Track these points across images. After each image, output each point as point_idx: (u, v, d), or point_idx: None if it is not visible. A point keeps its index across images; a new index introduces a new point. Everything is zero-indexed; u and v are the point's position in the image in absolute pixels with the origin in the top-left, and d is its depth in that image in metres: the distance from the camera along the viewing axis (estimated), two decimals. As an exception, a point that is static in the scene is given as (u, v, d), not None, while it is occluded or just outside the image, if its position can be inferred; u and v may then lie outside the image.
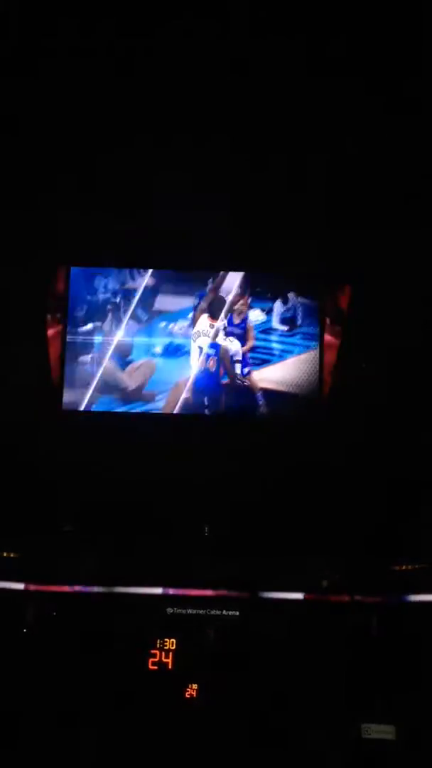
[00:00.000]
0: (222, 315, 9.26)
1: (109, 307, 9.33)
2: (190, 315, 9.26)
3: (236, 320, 9.26)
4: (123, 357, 9.29)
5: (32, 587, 7.93)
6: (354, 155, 7.72)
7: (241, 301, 9.27)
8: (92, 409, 9.23)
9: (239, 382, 9.18)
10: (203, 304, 9.27)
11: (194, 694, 7.35)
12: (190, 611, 7.83)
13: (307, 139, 7.61)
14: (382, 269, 8.60)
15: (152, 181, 8.14)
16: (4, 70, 6.84)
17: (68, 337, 9.26)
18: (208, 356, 9.24)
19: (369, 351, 8.84)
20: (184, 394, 9.16)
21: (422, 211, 8.06)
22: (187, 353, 9.26)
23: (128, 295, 9.34)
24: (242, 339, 9.25)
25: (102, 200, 8.46)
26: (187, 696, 7.35)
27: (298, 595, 7.94)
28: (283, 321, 9.23)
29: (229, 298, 9.25)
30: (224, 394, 9.20)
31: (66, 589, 7.98)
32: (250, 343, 9.24)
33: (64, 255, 9.28)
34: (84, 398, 9.24)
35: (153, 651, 7.54)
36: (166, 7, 6.32)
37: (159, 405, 9.18)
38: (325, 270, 9.17)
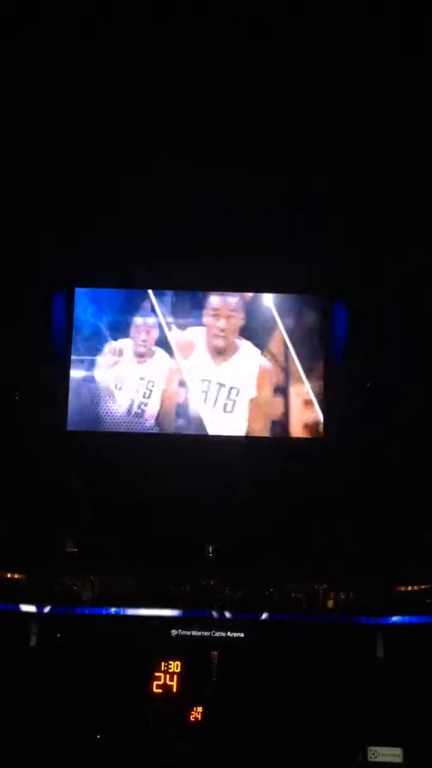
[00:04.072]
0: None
1: (113, 329, 9.42)
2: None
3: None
4: (128, 379, 9.36)
5: (36, 609, 7.90)
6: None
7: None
8: (97, 430, 9.26)
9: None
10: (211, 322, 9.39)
11: (199, 717, 7.22)
12: (194, 633, 7.76)
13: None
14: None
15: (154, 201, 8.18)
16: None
17: (73, 357, 9.32)
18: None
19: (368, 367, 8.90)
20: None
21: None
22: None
23: (133, 318, 9.44)
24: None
25: (105, 223, 8.49)
26: (192, 720, 7.23)
27: (302, 616, 7.91)
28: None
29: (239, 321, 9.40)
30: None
31: (69, 610, 7.96)
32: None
33: (67, 277, 9.36)
34: (89, 420, 9.29)
35: (157, 674, 7.44)
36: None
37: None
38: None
